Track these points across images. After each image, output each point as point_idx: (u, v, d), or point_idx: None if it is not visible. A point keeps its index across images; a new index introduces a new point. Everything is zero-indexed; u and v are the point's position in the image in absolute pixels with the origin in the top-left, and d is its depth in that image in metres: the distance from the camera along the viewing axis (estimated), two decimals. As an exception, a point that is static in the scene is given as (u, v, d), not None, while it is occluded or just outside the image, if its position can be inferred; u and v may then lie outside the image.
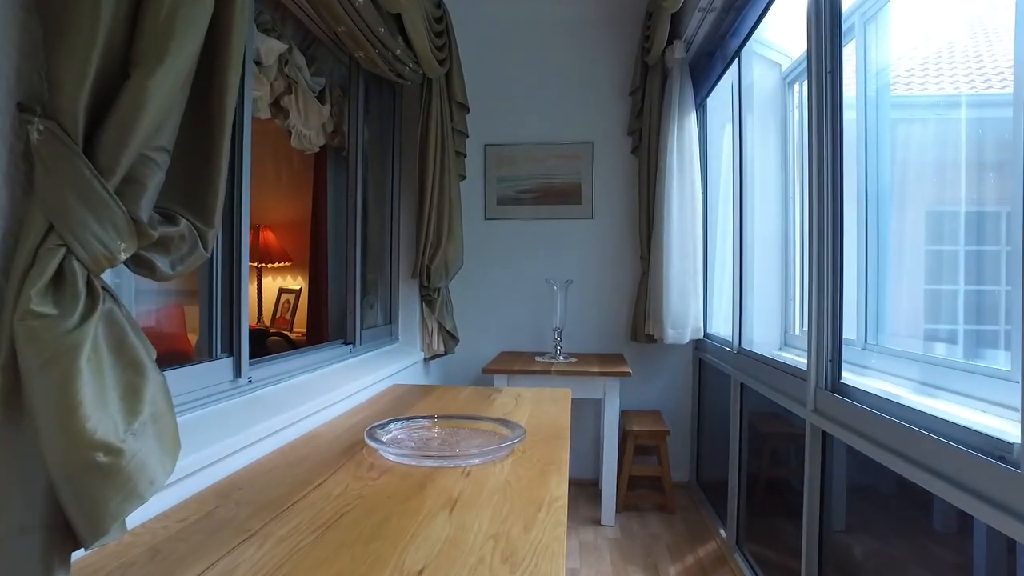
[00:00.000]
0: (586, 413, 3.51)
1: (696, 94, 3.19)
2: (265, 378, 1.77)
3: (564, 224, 3.60)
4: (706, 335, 3.27)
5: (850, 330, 1.83)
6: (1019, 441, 0.94)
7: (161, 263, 0.89)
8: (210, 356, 1.58)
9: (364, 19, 2.05)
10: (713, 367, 3.09)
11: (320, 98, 2.43)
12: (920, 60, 1.89)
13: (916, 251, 1.88)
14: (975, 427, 1.10)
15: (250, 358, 1.71)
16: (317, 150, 2.52)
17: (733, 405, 2.62)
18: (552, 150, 3.60)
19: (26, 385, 0.68)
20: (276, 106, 2.19)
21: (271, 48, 1.96)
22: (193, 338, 2.37)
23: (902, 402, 1.35)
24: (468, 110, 3.27)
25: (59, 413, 0.67)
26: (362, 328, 2.67)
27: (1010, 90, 1.56)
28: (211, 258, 1.57)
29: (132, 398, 0.77)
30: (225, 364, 1.59)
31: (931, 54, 1.86)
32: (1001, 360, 1.41)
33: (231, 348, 1.63)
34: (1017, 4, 1.25)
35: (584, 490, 3.42)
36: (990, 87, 1.70)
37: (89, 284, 0.75)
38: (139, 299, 2.09)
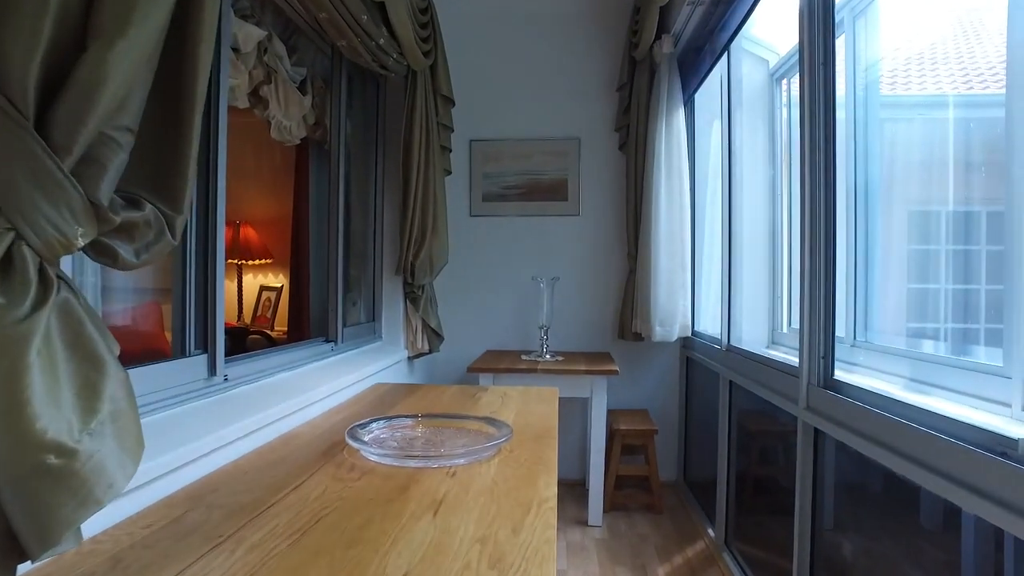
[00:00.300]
0: (573, 412, 3.47)
1: (684, 90, 3.17)
2: (242, 376, 1.71)
3: (550, 221, 3.56)
4: (694, 333, 3.25)
5: (839, 327, 1.81)
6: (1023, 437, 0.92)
7: (124, 251, 0.83)
8: (183, 353, 1.51)
9: (346, 5, 1.99)
10: (701, 365, 3.07)
11: (301, 89, 2.37)
12: (903, 60, 1.88)
13: (900, 250, 1.88)
14: (975, 423, 1.07)
15: (228, 356, 1.65)
16: (298, 142, 2.46)
17: (722, 403, 2.59)
18: (538, 146, 3.56)
19: (-32, 381, 0.62)
20: (255, 96, 2.12)
21: (249, 34, 1.89)
22: (171, 337, 2.30)
23: (897, 398, 1.32)
24: (454, 104, 3.22)
25: (4, 411, 0.62)
26: (344, 326, 2.61)
27: (991, 91, 1.56)
28: (184, 249, 1.50)
29: (89, 395, 0.71)
30: (199, 361, 1.52)
31: (914, 54, 1.86)
32: (982, 356, 1.41)
33: (206, 344, 1.56)
34: (1009, 6, 1.24)
35: (571, 490, 3.38)
36: (971, 88, 1.69)
37: (42, 271, 0.69)
38: (115, 297, 2.02)
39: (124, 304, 2.23)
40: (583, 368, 2.93)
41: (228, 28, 1.63)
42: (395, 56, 2.50)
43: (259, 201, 4.72)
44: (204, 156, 1.54)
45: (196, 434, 1.25)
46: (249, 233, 4.62)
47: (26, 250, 0.67)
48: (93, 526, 0.91)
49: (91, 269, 1.33)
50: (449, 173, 3.34)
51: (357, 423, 1.46)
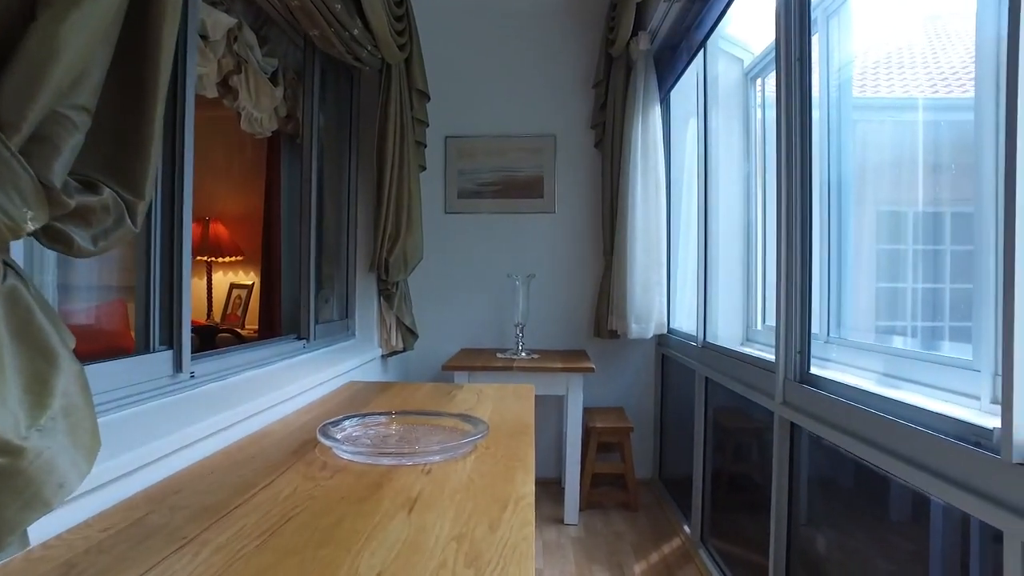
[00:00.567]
0: (548, 410, 3.45)
1: (660, 87, 3.18)
2: (210, 373, 1.65)
3: (526, 218, 3.55)
4: (669, 330, 3.26)
5: (813, 324, 1.82)
6: (999, 427, 0.92)
7: (80, 237, 0.79)
8: (147, 349, 1.45)
9: (319, -6, 1.95)
10: (677, 362, 3.07)
11: (273, 80, 2.31)
12: (872, 63, 1.91)
13: (870, 249, 1.90)
14: (950, 415, 1.08)
15: (196, 353, 1.59)
16: (269, 135, 2.40)
17: (698, 400, 2.60)
18: (514, 143, 3.54)
19: (-97, 372, 0.57)
20: (224, 86, 2.07)
21: (218, 21, 1.83)
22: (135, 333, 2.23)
23: (874, 392, 1.33)
24: (429, 98, 3.17)
25: (-57, 405, 0.57)
26: (316, 323, 2.55)
27: (956, 95, 1.59)
28: (149, 238, 1.44)
29: (39, 389, 0.67)
30: (164, 357, 1.47)
31: (882, 57, 1.88)
32: (947, 351, 1.43)
33: (171, 340, 1.50)
34: (977, 12, 1.25)
35: (547, 488, 3.36)
36: (936, 91, 1.72)
37: (-14, 256, 0.65)
38: (78, 295, 1.94)
39: (88, 303, 2.15)
40: (559, 366, 2.92)
41: (196, 13, 1.58)
42: (369, 48, 2.46)
43: (229, 197, 4.61)
44: (170, 144, 1.49)
45: (159, 433, 1.20)
46: (219, 230, 4.51)
47: (-31, 233, 0.63)
48: (45, 530, 0.86)
49: (51, 267, 1.27)
50: (424, 169, 3.30)
51: (329, 420, 1.42)
